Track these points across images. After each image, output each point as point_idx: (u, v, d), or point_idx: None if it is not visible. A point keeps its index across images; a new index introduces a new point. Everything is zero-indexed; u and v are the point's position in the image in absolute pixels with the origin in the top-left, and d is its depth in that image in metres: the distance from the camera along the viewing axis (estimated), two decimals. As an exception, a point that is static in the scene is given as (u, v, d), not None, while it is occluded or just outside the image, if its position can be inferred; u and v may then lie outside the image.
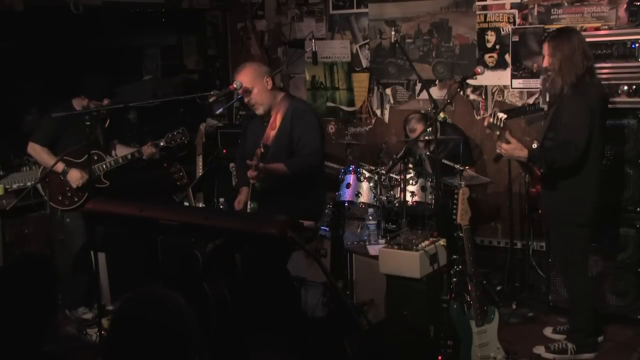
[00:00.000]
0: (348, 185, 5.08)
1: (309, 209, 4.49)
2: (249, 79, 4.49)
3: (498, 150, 4.29)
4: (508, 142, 4.19)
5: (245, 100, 4.58)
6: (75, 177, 5.12)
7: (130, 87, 6.98)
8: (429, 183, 5.03)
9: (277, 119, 4.55)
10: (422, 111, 5.91)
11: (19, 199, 5.24)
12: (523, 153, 4.20)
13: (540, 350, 4.60)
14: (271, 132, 4.56)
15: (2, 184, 5.44)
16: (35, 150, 5.16)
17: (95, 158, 5.21)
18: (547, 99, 4.77)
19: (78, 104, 5.17)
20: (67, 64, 6.36)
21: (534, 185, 4.60)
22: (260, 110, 4.57)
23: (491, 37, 5.94)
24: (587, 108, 4.22)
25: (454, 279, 4.40)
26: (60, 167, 5.09)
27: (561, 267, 4.80)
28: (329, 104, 6.86)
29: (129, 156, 5.25)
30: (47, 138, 5.13)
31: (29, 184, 5.35)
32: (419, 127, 5.52)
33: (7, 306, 2.32)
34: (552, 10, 5.66)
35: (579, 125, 4.21)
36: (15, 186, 5.49)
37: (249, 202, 4.59)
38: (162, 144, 5.24)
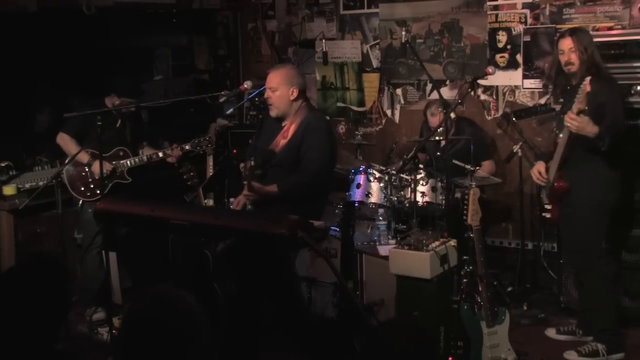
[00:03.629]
0: (358, 186, 5.08)
1: (311, 206, 4.50)
2: (278, 80, 4.53)
3: (568, 124, 4.23)
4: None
5: (265, 95, 4.60)
6: (98, 168, 5.21)
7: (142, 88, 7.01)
8: (439, 183, 5.02)
9: (290, 129, 4.55)
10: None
11: (31, 198, 5.28)
12: (594, 129, 4.16)
13: (572, 355, 4.56)
14: (281, 141, 4.57)
15: (15, 184, 5.47)
16: (64, 140, 5.29)
17: (121, 154, 5.34)
18: (559, 99, 4.73)
19: (109, 101, 5.30)
20: (80, 64, 6.40)
21: (559, 180, 4.52)
22: (273, 113, 4.59)
23: (502, 37, 5.93)
24: (619, 91, 4.32)
25: (465, 280, 4.38)
26: (85, 158, 5.21)
27: (584, 263, 4.61)
28: (339, 104, 6.87)
29: (154, 156, 5.34)
30: (75, 129, 5.24)
31: (41, 183, 5.39)
32: (440, 114, 5.50)
33: (19, 305, 2.33)
34: (564, 10, 5.64)
35: (620, 106, 4.30)
36: (27, 185, 5.52)
37: (246, 205, 4.61)
38: (187, 147, 5.31)
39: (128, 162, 5.33)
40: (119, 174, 5.30)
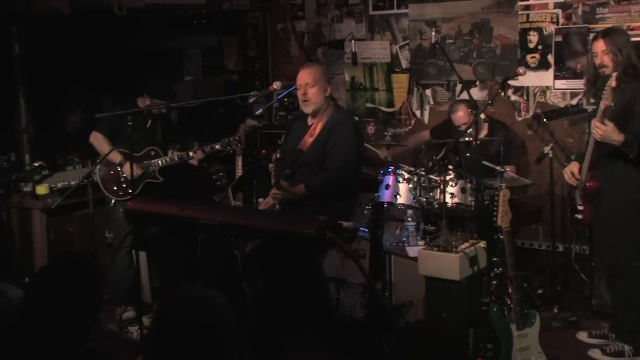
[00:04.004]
0: (387, 187, 5.06)
1: (340, 206, 4.51)
2: (314, 77, 4.60)
3: (593, 132, 4.19)
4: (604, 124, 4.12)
5: (301, 92, 4.63)
6: (129, 169, 5.27)
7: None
8: (468, 184, 4.99)
9: (317, 127, 4.61)
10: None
11: (63, 198, 5.35)
12: (620, 137, 4.12)
13: (596, 353, 4.51)
14: (309, 139, 4.62)
15: (47, 183, 5.55)
16: (97, 139, 5.35)
17: (152, 154, 5.41)
18: (591, 100, 4.68)
19: (142, 102, 5.37)
20: (112, 65, 6.47)
21: (590, 180, 4.46)
22: (309, 108, 4.64)
23: (533, 37, 5.87)
24: None
25: (494, 282, 4.35)
26: (117, 158, 5.27)
27: (616, 264, 4.54)
28: (369, 104, 6.86)
29: (184, 155, 5.39)
30: (108, 129, 5.29)
31: (73, 183, 5.46)
32: (464, 113, 5.48)
33: (52, 304, 2.36)
34: (597, 9, 5.58)
35: None
36: (60, 185, 5.60)
37: (275, 205, 4.63)
38: (217, 147, 5.35)
39: (159, 162, 5.39)
40: (150, 173, 5.36)
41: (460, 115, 5.54)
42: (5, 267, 5.31)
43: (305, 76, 4.64)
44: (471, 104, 5.33)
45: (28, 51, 5.46)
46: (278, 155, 4.62)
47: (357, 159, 4.69)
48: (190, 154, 5.39)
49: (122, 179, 5.33)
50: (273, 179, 4.55)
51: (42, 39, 5.90)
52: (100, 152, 5.34)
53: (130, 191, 5.29)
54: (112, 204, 5.37)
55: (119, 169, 5.33)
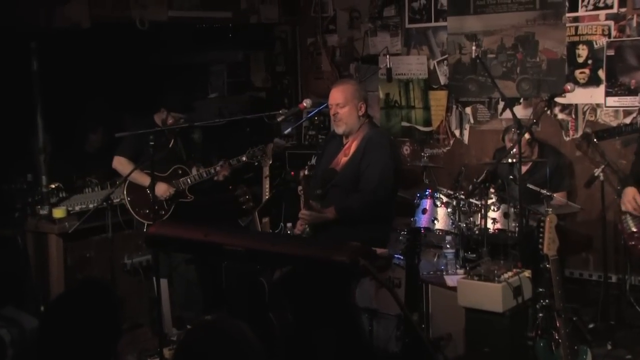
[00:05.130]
0: (424, 211, 5.06)
1: (374, 232, 4.51)
2: (346, 96, 4.64)
3: None
4: None
5: (332, 112, 4.68)
6: (162, 190, 5.42)
7: (195, 106, 7.15)
8: (512, 209, 4.96)
9: (352, 146, 4.63)
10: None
11: (81, 221, 5.41)
12: None
13: None
14: (343, 159, 4.65)
15: (64, 206, 5.62)
16: (122, 163, 5.45)
17: (180, 172, 5.53)
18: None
19: (159, 117, 5.49)
20: (134, 81, 6.57)
21: None
22: (341, 129, 4.68)
23: (583, 52, 5.85)
24: None
25: (540, 314, 4.31)
26: (146, 180, 5.31)
27: None
28: (404, 123, 6.86)
29: (212, 170, 5.50)
30: (131, 151, 5.40)
31: (91, 206, 5.53)
32: (514, 134, 5.44)
33: (69, 334, 2.39)
34: (653, 21, 5.54)
35: None
36: (77, 208, 5.66)
37: (305, 227, 4.65)
38: (244, 159, 5.41)
39: (188, 180, 5.51)
40: (181, 193, 5.48)
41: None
42: (19, 295, 5.38)
43: (336, 95, 4.68)
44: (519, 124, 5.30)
45: (46, 67, 5.56)
46: (306, 172, 4.64)
47: (393, 181, 4.69)
48: (217, 168, 5.45)
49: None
50: (302, 198, 4.58)
51: (61, 55, 6.01)
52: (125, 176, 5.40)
53: (162, 213, 5.37)
54: (145, 229, 5.41)
55: (149, 192, 5.38)
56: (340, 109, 4.64)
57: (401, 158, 5.68)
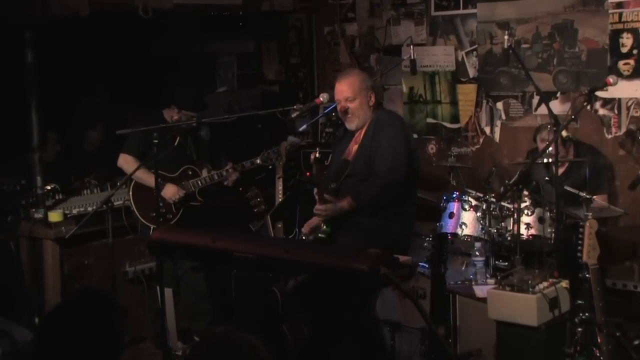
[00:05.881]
0: (451, 215, 5.06)
1: (394, 233, 4.52)
2: (354, 88, 4.65)
3: None
4: None
5: (340, 108, 4.68)
6: (171, 192, 5.45)
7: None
8: (547, 214, 4.94)
9: (361, 133, 4.65)
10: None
11: (79, 226, 5.43)
12: None
13: None
14: (354, 147, 4.68)
15: (61, 209, 5.65)
16: (128, 162, 5.48)
17: (190, 173, 5.57)
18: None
19: (168, 114, 5.51)
20: (136, 73, 6.60)
21: None
22: (353, 125, 4.68)
23: (627, 40, 5.81)
24: None
25: (579, 329, 4.29)
26: (154, 180, 5.30)
27: None
28: (430, 120, 6.86)
29: (224, 172, 5.53)
30: (140, 149, 5.42)
31: (90, 209, 5.55)
32: (549, 133, 5.42)
33: (67, 348, 2.40)
34: None
35: None
36: (75, 211, 5.70)
37: (321, 225, 4.66)
38: (258, 161, 5.45)
39: (199, 182, 5.54)
40: (191, 195, 5.51)
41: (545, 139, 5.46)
42: (12, 305, 5.40)
43: (343, 89, 4.66)
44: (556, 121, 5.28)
45: (42, 59, 5.59)
46: (317, 155, 4.65)
47: (407, 160, 4.67)
48: (229, 170, 5.49)
49: (161, 205, 5.41)
50: (316, 191, 4.59)
51: (58, 46, 6.05)
52: (135, 178, 5.43)
53: (170, 217, 5.40)
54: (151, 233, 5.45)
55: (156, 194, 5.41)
56: (350, 103, 4.64)
57: (423, 160, 5.66)
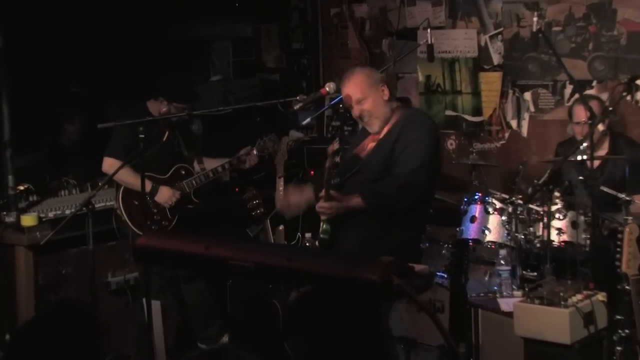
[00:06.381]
0: (473, 219, 5.06)
1: (404, 235, 4.51)
2: (362, 88, 4.59)
3: None
4: None
5: (354, 114, 4.65)
6: (166, 195, 5.44)
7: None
8: (582, 217, 4.93)
9: (384, 130, 4.61)
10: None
11: (55, 231, 5.43)
12: None
13: None
14: (370, 144, 4.63)
15: (35, 212, 5.65)
16: (114, 166, 5.40)
17: (183, 173, 5.55)
18: None
19: (154, 107, 5.47)
20: (119, 60, 6.60)
21: None
22: (375, 127, 4.63)
23: (672, 22, 5.82)
24: None
25: (618, 348, 4.29)
26: (147, 185, 5.31)
27: None
28: (449, 112, 6.86)
29: (220, 169, 5.54)
30: (125, 150, 5.37)
31: (68, 212, 5.55)
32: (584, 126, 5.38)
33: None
34: None
35: None
36: (51, 215, 5.69)
37: (321, 224, 4.64)
38: (254, 152, 5.43)
39: (193, 182, 5.52)
40: (187, 197, 5.50)
41: (580, 114, 5.42)
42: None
43: (350, 91, 4.61)
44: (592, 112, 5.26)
45: (12, 44, 5.59)
46: (337, 145, 4.63)
47: (434, 168, 4.65)
48: (242, 157, 5.50)
49: (155, 211, 5.43)
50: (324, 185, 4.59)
51: (31, 29, 6.05)
52: (121, 183, 5.42)
53: (165, 223, 5.40)
54: None
55: (149, 200, 5.41)
56: (362, 105, 4.60)
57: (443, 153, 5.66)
